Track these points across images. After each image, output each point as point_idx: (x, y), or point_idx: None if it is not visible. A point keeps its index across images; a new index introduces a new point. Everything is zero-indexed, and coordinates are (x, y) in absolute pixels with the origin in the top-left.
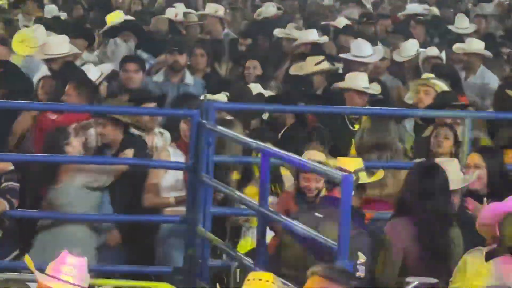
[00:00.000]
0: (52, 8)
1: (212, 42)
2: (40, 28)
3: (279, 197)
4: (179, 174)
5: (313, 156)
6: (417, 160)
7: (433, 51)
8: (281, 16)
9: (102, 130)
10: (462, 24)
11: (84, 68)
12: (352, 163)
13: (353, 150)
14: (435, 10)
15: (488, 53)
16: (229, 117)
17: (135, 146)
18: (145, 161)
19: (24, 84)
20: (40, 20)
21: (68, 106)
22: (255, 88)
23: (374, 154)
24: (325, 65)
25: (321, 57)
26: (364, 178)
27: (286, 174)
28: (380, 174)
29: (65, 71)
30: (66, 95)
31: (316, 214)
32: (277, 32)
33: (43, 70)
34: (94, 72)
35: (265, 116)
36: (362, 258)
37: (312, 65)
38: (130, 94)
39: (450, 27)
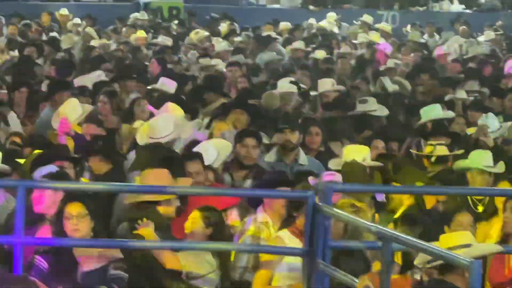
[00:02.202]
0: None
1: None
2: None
3: (394, 281)
4: (295, 262)
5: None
6: None
7: None
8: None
9: None
10: None
11: (202, 147)
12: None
13: (479, 237)
14: None
15: None
16: (358, 204)
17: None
18: (255, 246)
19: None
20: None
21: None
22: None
23: None
24: (445, 151)
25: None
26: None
27: None
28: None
29: None
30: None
31: None
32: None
33: None
34: (211, 152)
35: (380, 197)
36: None
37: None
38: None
39: None
